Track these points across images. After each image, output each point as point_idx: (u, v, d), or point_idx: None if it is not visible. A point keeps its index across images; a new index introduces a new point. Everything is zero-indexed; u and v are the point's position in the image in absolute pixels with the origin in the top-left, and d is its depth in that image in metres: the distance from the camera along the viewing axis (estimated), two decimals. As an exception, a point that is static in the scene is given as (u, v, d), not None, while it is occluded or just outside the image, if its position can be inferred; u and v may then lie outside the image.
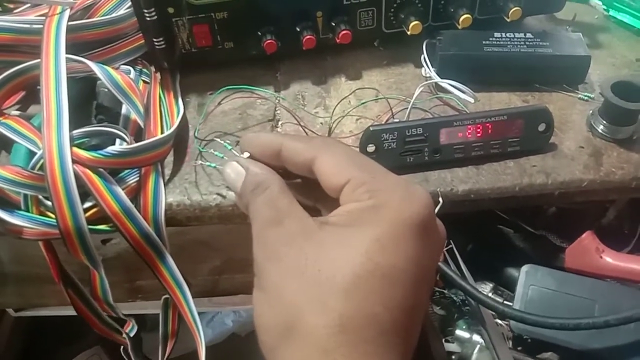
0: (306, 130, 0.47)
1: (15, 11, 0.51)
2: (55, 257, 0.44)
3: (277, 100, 0.50)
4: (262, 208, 0.28)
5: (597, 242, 0.55)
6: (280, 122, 0.48)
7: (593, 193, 0.45)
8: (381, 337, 0.24)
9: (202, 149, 0.45)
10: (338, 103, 0.49)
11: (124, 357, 0.53)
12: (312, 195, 0.31)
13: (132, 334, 0.50)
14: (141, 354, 0.53)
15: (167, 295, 0.46)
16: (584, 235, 0.56)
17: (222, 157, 0.44)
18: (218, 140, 0.45)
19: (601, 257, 0.54)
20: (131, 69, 0.49)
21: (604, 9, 0.60)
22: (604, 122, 0.47)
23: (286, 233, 0.26)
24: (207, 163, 0.43)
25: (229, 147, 0.39)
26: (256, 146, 0.31)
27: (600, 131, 0.47)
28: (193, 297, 0.44)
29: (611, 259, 0.54)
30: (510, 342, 0.56)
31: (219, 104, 0.49)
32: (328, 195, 0.28)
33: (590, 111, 0.48)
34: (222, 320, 0.89)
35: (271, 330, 0.26)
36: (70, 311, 0.47)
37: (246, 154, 0.31)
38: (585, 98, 0.50)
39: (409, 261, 0.25)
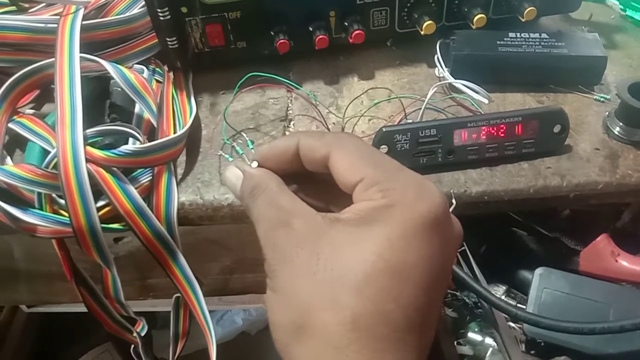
0: (323, 124, 0.47)
1: (30, 10, 0.51)
2: (67, 255, 0.44)
3: (289, 100, 0.50)
4: (265, 209, 0.28)
5: (612, 245, 0.54)
6: (292, 122, 0.48)
7: (608, 196, 0.44)
8: (394, 334, 0.24)
9: (227, 140, 0.46)
10: (350, 103, 0.49)
11: (134, 356, 0.54)
12: (325, 197, 0.31)
13: (142, 334, 0.50)
14: (151, 353, 0.53)
15: (178, 294, 0.47)
16: (599, 239, 0.55)
17: (242, 154, 0.44)
18: (244, 135, 0.46)
19: (616, 261, 0.53)
20: (144, 68, 0.49)
21: (621, 9, 0.59)
22: (620, 123, 0.46)
23: (296, 234, 0.26)
24: (227, 155, 0.44)
25: (251, 147, 0.39)
26: (272, 156, 0.30)
27: (616, 133, 0.46)
28: (204, 296, 0.44)
29: (627, 263, 0.53)
30: (523, 346, 0.55)
31: (231, 103, 0.49)
32: (340, 197, 0.28)
33: (607, 113, 0.48)
34: (232, 318, 0.89)
35: (284, 328, 0.26)
36: (81, 308, 0.48)
37: (255, 164, 0.30)
38: (601, 99, 0.50)
39: (420, 258, 0.25)
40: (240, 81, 0.48)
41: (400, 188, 0.26)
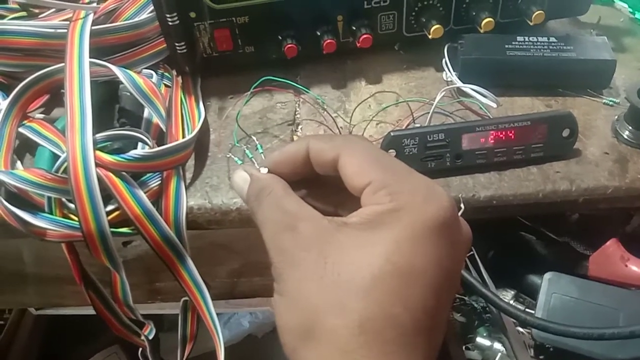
0: (330, 129, 0.47)
1: (40, 16, 0.52)
2: (77, 258, 0.45)
3: (297, 104, 0.50)
4: (270, 212, 0.28)
5: (622, 250, 0.54)
6: (300, 126, 0.48)
7: (618, 200, 0.44)
8: (402, 338, 0.24)
9: (237, 143, 0.46)
10: (357, 107, 0.49)
11: (142, 359, 0.54)
12: (334, 201, 0.31)
13: (150, 337, 0.50)
14: (159, 356, 0.53)
15: (186, 298, 0.47)
16: (608, 243, 0.55)
17: (251, 157, 0.44)
18: (254, 138, 0.46)
19: (626, 266, 0.53)
20: (153, 72, 0.49)
21: (630, 12, 0.59)
22: (630, 127, 0.46)
23: (303, 238, 0.26)
24: (235, 158, 0.45)
25: (260, 150, 0.40)
26: (284, 159, 0.30)
27: (625, 137, 0.46)
28: (212, 300, 0.44)
29: (637, 268, 0.53)
30: (532, 351, 0.55)
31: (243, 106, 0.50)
32: (350, 201, 0.28)
33: (616, 116, 0.48)
34: (238, 321, 0.89)
35: (292, 332, 0.26)
36: (89, 310, 0.48)
37: (264, 169, 0.31)
38: (610, 103, 0.49)
39: (429, 262, 0.25)
40: (254, 85, 0.48)
41: (409, 191, 0.26)
